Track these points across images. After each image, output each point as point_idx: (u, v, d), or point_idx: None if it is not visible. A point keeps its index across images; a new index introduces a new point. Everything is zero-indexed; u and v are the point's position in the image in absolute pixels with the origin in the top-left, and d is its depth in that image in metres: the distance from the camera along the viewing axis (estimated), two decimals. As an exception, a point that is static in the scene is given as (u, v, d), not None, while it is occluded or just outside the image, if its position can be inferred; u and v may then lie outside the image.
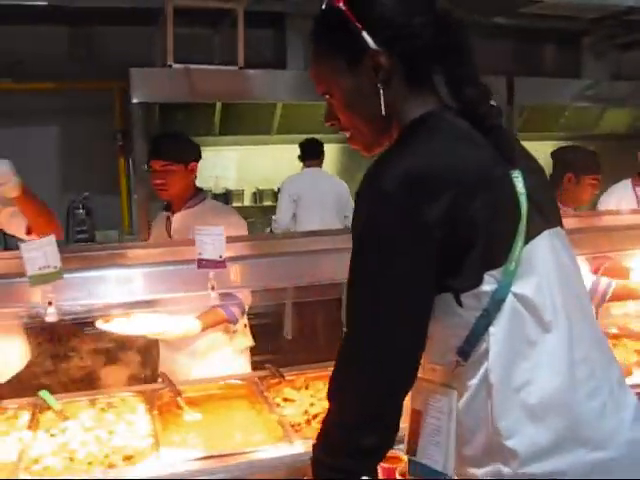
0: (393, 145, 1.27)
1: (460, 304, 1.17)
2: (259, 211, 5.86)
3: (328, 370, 2.43)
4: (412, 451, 1.28)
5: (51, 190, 5.61)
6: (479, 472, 1.21)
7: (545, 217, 1.25)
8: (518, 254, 1.17)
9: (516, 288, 1.16)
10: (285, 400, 2.31)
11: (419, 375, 1.23)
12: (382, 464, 1.64)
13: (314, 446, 1.28)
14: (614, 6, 4.88)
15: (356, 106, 1.30)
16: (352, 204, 4.76)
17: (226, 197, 5.79)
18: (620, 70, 6.27)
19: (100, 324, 2.39)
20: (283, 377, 2.47)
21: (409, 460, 1.30)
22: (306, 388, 2.41)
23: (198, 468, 1.83)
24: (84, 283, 1.77)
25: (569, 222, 2.68)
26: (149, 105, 4.97)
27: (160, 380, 2.48)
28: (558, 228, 1.30)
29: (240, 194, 5.84)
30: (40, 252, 1.72)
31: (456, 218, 1.14)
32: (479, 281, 1.16)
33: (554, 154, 3.36)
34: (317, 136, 5.51)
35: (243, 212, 5.78)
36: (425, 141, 1.22)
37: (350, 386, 1.22)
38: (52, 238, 1.75)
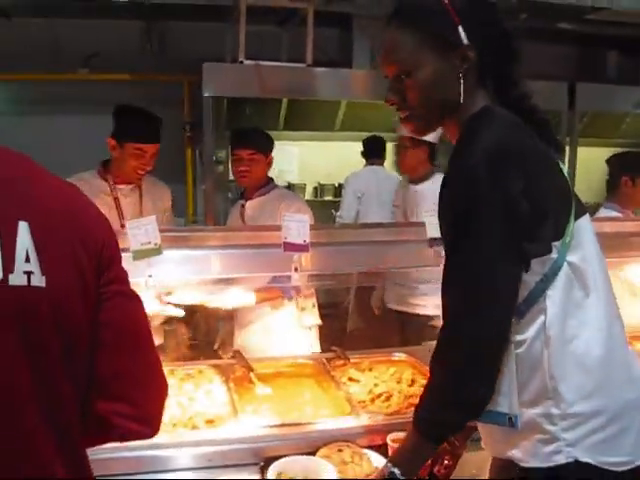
0: (466, 133, 1.44)
1: (526, 269, 1.35)
2: (320, 205, 6.02)
3: (390, 355, 2.61)
4: None
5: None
6: (532, 412, 1.39)
7: (581, 203, 1.48)
8: (572, 229, 1.39)
9: (569, 257, 1.38)
10: (350, 380, 2.47)
11: None
12: None
13: (415, 408, 1.47)
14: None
15: (434, 89, 1.46)
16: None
17: (289, 190, 5.98)
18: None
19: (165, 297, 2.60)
20: (348, 359, 2.63)
21: None
22: (370, 370, 2.56)
23: (277, 433, 1.99)
24: (180, 260, 1.95)
25: (628, 225, 2.79)
26: (218, 99, 5.16)
27: (231, 356, 2.66)
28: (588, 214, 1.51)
29: (302, 188, 6.02)
30: (142, 230, 1.92)
31: (533, 191, 1.33)
32: (549, 249, 1.36)
33: (610, 159, 3.46)
34: (382, 134, 5.66)
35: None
36: (496, 127, 1.40)
37: (456, 346, 1.38)
38: (153, 218, 1.94)
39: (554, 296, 1.37)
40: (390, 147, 5.78)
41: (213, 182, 4.97)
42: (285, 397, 2.36)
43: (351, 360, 2.62)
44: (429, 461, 1.60)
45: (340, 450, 1.90)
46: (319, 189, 6.08)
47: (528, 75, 1.53)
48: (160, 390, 1.23)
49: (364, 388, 2.39)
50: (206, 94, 4.86)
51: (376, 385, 2.39)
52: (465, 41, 1.41)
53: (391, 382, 2.43)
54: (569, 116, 5.55)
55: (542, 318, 1.37)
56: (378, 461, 1.85)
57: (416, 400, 2.19)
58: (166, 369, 2.41)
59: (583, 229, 1.44)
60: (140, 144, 2.89)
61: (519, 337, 1.39)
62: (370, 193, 5.27)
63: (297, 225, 1.98)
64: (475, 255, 1.33)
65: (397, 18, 1.47)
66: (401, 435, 1.82)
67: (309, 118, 5.63)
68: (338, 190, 5.84)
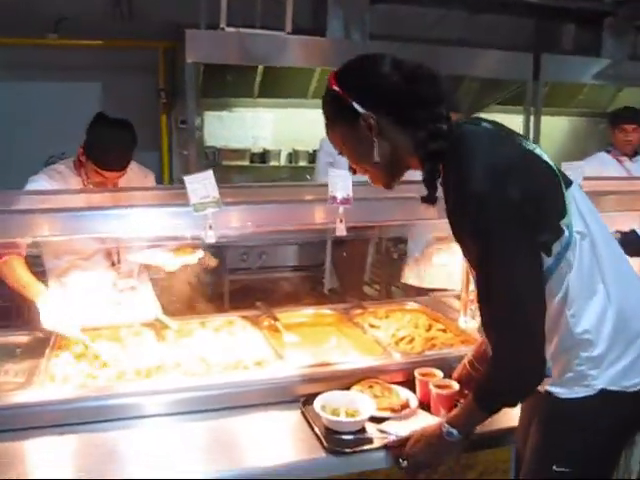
0: (450, 158, 1.60)
1: (549, 253, 1.57)
2: (294, 171, 6.16)
3: (403, 305, 2.81)
4: None
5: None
6: (565, 357, 1.65)
7: (565, 175, 1.68)
8: (568, 201, 1.60)
9: (575, 227, 1.59)
10: (371, 326, 2.66)
11: None
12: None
13: (478, 380, 1.78)
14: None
15: (362, 158, 1.71)
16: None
17: (264, 156, 6.08)
18: (636, 50, 6.59)
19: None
20: (365, 308, 2.83)
21: None
22: (386, 317, 2.76)
23: (320, 371, 2.19)
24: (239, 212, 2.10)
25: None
26: (196, 65, 5.19)
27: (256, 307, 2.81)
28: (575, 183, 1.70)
29: (277, 154, 6.12)
30: (201, 184, 2.04)
31: (532, 189, 1.54)
32: (561, 230, 1.57)
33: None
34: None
35: (280, 171, 6.15)
36: (477, 146, 1.61)
37: (509, 336, 1.57)
38: (210, 172, 2.06)
39: (571, 264, 1.58)
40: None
41: (196, 148, 5.05)
42: (313, 344, 2.53)
43: (368, 309, 2.82)
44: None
45: (371, 386, 2.13)
46: (293, 155, 6.19)
47: (492, 45, 1.73)
48: None
49: (386, 332, 2.59)
50: (189, 60, 4.92)
51: (398, 330, 2.59)
52: (362, 112, 1.62)
53: (409, 327, 2.63)
54: (534, 87, 5.82)
55: (562, 284, 1.59)
56: (404, 394, 2.11)
57: (436, 342, 2.44)
58: (196, 321, 2.60)
59: (576, 197, 1.65)
60: (99, 169, 2.69)
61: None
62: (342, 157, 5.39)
63: (341, 180, 2.14)
64: (507, 263, 1.53)
65: (322, 109, 1.74)
66: (425, 370, 2.16)
67: (284, 85, 5.71)
68: (312, 156, 5.95)
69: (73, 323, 2.42)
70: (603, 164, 4.43)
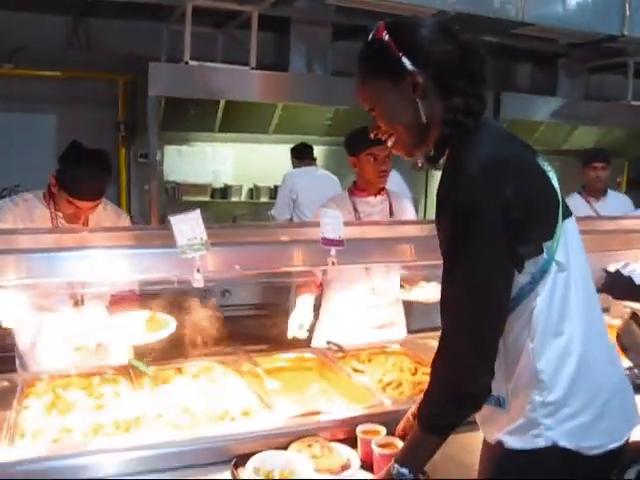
0: (460, 143, 1.55)
1: (520, 269, 1.48)
2: (255, 207, 6.08)
3: (384, 347, 2.72)
4: None
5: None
6: (518, 398, 1.53)
7: (567, 206, 1.60)
8: (560, 229, 1.52)
9: (557, 256, 1.50)
10: (355, 371, 2.57)
11: None
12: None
13: (419, 406, 1.60)
14: (597, 34, 5.36)
15: (397, 118, 1.61)
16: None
17: (225, 192, 5.98)
18: (588, 91, 6.78)
19: None
20: (346, 352, 2.74)
21: None
22: (369, 361, 2.68)
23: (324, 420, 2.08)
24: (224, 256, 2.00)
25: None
26: (157, 99, 5.11)
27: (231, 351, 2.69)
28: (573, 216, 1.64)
29: (238, 190, 6.04)
30: (188, 225, 1.94)
31: (524, 195, 1.46)
32: (541, 250, 1.48)
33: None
34: (311, 137, 5.81)
35: (241, 207, 6.06)
36: (488, 138, 1.55)
37: (455, 345, 1.50)
38: (197, 212, 1.97)
39: (542, 294, 1.49)
40: (319, 150, 5.97)
41: (157, 182, 4.93)
42: (296, 389, 2.44)
43: (350, 353, 2.74)
44: None
45: (310, 445, 1.95)
46: (254, 191, 6.12)
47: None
48: None
49: (371, 377, 2.50)
50: (151, 94, 4.82)
51: (384, 374, 2.51)
52: (411, 68, 1.53)
53: (394, 371, 2.56)
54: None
55: (529, 313, 1.50)
56: (345, 453, 1.95)
57: (424, 386, 2.36)
58: (172, 366, 2.47)
59: (569, 229, 1.56)
60: (73, 199, 2.62)
61: (507, 328, 1.52)
62: (306, 192, 5.37)
63: (332, 221, 2.07)
64: (474, 265, 1.44)
65: (357, 63, 1.64)
66: (368, 426, 2.00)
67: (245, 120, 5.66)
68: (274, 192, 5.91)
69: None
70: (575, 205, 4.48)
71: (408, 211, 3.36)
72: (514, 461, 1.55)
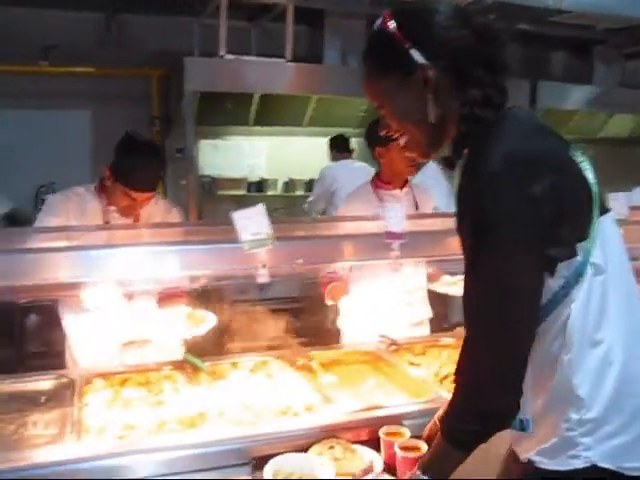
0: (479, 139, 1.41)
1: (552, 273, 1.33)
2: (291, 200, 6.07)
3: (437, 340, 2.70)
4: None
5: (84, 174, 5.73)
6: (552, 415, 1.39)
7: (604, 203, 1.44)
8: (596, 227, 1.36)
9: (593, 259, 1.35)
10: (411, 364, 2.56)
11: None
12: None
13: (442, 417, 1.49)
14: (635, 18, 5.26)
15: (408, 116, 1.47)
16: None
17: (260, 185, 5.98)
18: (624, 78, 6.67)
19: None
20: (400, 345, 2.72)
21: None
22: (423, 354, 2.67)
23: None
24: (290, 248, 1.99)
25: None
26: (194, 93, 5.10)
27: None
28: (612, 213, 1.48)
29: (274, 183, 6.03)
30: (252, 220, 1.93)
31: (554, 192, 1.30)
32: (575, 252, 1.33)
33: None
34: (347, 129, 5.78)
35: (276, 201, 6.05)
36: (511, 131, 1.40)
37: (480, 359, 1.37)
38: (262, 207, 1.95)
39: (577, 300, 1.34)
40: (353, 143, 5.94)
41: (194, 177, 4.94)
42: (352, 383, 2.42)
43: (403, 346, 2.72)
44: None
45: (331, 447, 1.91)
46: (290, 184, 6.11)
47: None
48: None
49: (427, 371, 2.48)
50: (187, 88, 4.82)
51: (440, 367, 2.49)
52: (421, 61, 1.41)
53: (450, 364, 2.53)
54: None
55: (563, 322, 1.35)
56: (368, 455, 1.90)
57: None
58: (226, 362, 2.46)
59: (606, 228, 1.40)
60: (130, 190, 2.62)
61: (537, 340, 1.37)
62: (345, 185, 5.34)
63: (396, 215, 2.06)
64: (501, 269, 1.31)
65: (363, 56, 1.51)
66: (390, 428, 1.94)
67: (280, 113, 5.64)
68: (309, 185, 5.89)
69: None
70: None
71: (430, 203, 3.26)
72: None
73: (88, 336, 2.77)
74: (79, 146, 5.61)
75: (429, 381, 2.35)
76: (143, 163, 2.62)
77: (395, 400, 2.24)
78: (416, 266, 3.05)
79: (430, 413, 1.85)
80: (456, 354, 2.54)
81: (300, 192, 6.04)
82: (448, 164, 1.51)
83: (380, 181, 3.12)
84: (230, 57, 4.96)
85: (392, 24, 1.42)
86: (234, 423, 2.02)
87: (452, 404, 1.45)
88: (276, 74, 5.14)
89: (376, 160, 3.11)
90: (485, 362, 1.35)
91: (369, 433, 1.99)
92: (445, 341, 2.80)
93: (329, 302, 3.03)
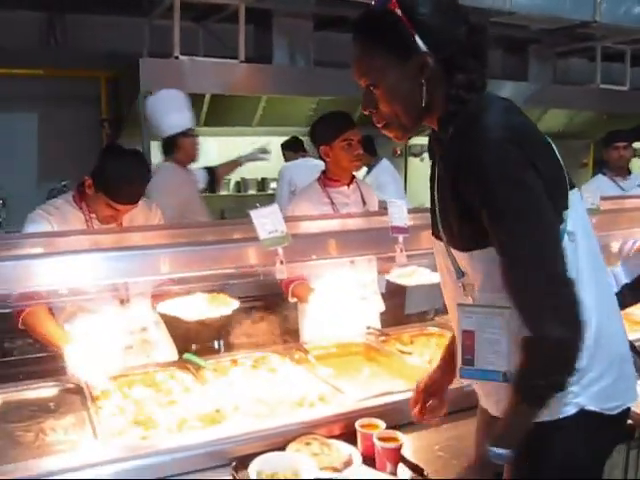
0: (467, 115, 1.47)
1: None
2: (243, 200, 6.09)
3: (423, 329, 2.81)
4: (470, 362, 1.54)
5: (31, 177, 5.61)
6: None
7: (570, 177, 1.55)
8: (570, 199, 1.49)
9: (568, 226, 1.47)
10: (401, 352, 2.67)
11: (466, 302, 1.55)
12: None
13: (518, 378, 1.45)
14: (572, 20, 5.56)
15: (399, 98, 1.51)
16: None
17: (212, 185, 5.96)
18: (557, 75, 7.01)
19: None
20: (388, 335, 2.83)
21: (465, 370, 1.56)
22: (411, 343, 2.78)
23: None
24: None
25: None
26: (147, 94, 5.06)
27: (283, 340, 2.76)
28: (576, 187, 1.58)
29: (226, 183, 6.03)
30: (268, 219, 2.00)
31: (544, 161, 1.42)
32: (562, 219, 1.46)
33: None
34: (296, 129, 5.87)
35: (228, 200, 6.05)
36: (496, 106, 1.50)
37: (535, 302, 1.40)
38: (276, 206, 2.02)
39: None
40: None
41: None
42: (350, 373, 2.52)
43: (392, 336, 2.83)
44: None
45: (308, 443, 1.92)
46: (242, 183, 6.13)
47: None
48: None
49: (419, 359, 2.60)
50: (143, 90, 4.79)
51: (432, 355, 2.61)
52: (423, 49, 1.45)
53: (440, 351, 2.65)
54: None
55: None
56: (345, 449, 1.90)
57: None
58: (226, 359, 2.52)
59: (575, 200, 1.53)
60: (113, 202, 2.53)
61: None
62: (304, 183, 5.40)
63: (398, 210, 2.16)
64: (531, 204, 1.38)
65: (356, 32, 1.53)
66: (365, 420, 1.96)
67: (230, 113, 5.68)
68: (261, 184, 5.93)
69: (100, 371, 2.31)
70: (602, 185, 4.51)
71: (375, 200, 3.37)
72: (538, 433, 1.47)
73: (87, 342, 2.72)
74: (26, 149, 5.48)
75: (424, 367, 2.45)
76: (130, 177, 2.53)
77: (398, 386, 2.34)
78: (370, 261, 3.15)
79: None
80: (443, 342, 2.69)
81: (252, 192, 6.07)
82: (439, 140, 1.56)
83: (327, 179, 3.22)
84: (184, 58, 4.97)
85: (398, 8, 1.44)
86: (252, 417, 2.08)
87: (523, 367, 1.43)
88: (229, 75, 5.18)
89: (322, 158, 3.19)
90: (542, 301, 1.39)
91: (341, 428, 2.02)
92: (430, 330, 2.93)
93: (292, 300, 3.09)
